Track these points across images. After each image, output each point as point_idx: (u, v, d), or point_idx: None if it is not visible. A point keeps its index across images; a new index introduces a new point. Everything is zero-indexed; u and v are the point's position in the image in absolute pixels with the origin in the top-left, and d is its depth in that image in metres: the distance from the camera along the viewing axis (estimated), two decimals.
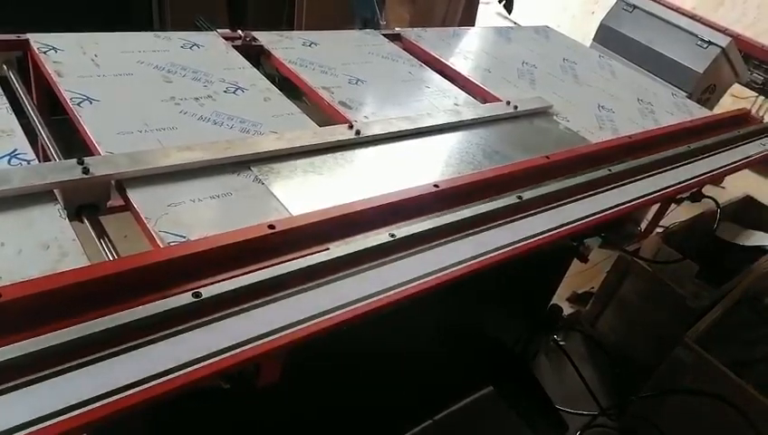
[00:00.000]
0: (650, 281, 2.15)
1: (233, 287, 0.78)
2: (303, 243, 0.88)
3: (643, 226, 2.59)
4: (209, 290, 0.76)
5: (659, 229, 2.45)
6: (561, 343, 2.31)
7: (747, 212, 2.65)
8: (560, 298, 2.35)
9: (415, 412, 1.84)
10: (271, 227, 0.86)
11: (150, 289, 0.74)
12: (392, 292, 0.97)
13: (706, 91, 2.60)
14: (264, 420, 1.29)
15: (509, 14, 3.59)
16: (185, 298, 0.74)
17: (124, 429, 0.98)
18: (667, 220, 2.50)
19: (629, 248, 2.26)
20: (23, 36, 1.24)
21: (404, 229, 0.96)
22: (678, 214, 2.51)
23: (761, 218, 2.61)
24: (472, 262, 1.13)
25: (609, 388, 2.19)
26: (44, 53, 1.21)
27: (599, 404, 2.08)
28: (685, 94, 2.14)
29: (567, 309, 2.42)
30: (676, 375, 1.89)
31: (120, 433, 0.97)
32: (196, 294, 0.75)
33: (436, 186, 1.07)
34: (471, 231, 1.08)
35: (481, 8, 3.74)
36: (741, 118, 1.90)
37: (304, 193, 1.02)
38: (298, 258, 0.85)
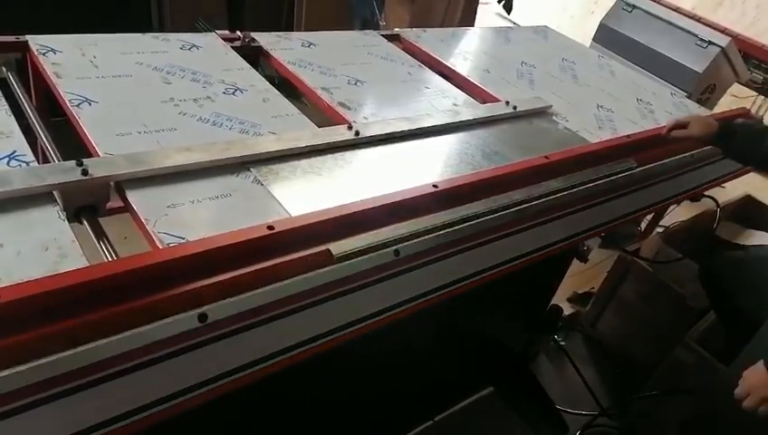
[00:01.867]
0: (650, 281, 2.15)
1: (238, 311, 0.79)
2: (303, 244, 0.88)
3: (643, 226, 2.59)
4: (215, 313, 0.77)
5: (659, 229, 2.45)
6: (562, 343, 2.31)
7: (747, 211, 2.64)
8: (560, 298, 2.34)
9: (415, 413, 1.84)
10: (270, 227, 0.86)
11: (150, 290, 0.74)
12: (393, 311, 1.02)
13: (706, 90, 2.60)
14: (264, 420, 1.28)
15: (508, 14, 3.59)
16: (190, 321, 0.75)
17: None
18: (667, 220, 2.50)
19: (629, 248, 2.26)
20: (21, 38, 1.24)
21: (408, 247, 0.97)
22: (678, 214, 2.51)
23: (761, 218, 2.61)
24: (473, 279, 1.16)
25: (610, 388, 2.19)
26: (43, 54, 1.21)
27: (599, 404, 2.08)
28: (684, 94, 2.14)
29: (567, 309, 2.42)
30: (677, 375, 1.89)
31: None
32: (202, 317, 0.75)
33: (435, 186, 1.07)
34: (473, 243, 1.09)
35: (480, 8, 3.75)
36: (741, 117, 1.90)
37: (303, 194, 1.02)
38: (297, 259, 0.86)
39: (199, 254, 0.79)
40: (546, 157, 1.28)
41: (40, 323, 0.66)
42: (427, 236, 1.00)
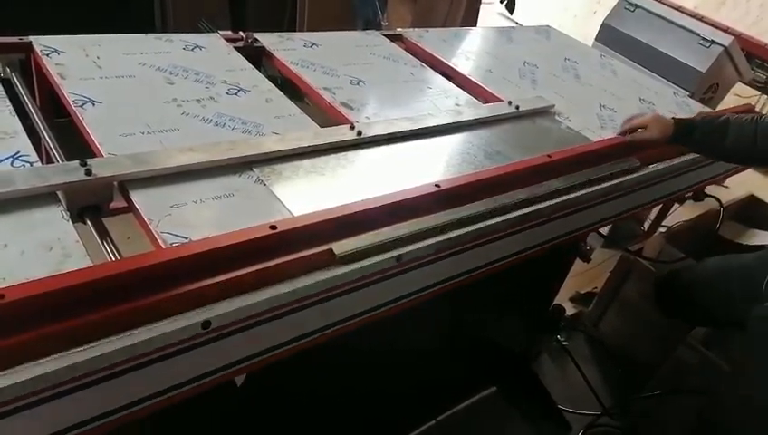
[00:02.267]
0: (653, 281, 2.15)
1: (241, 316, 0.80)
2: (305, 243, 0.88)
3: (646, 225, 2.59)
4: (219, 320, 0.77)
5: (662, 229, 2.44)
6: (564, 343, 2.31)
7: (750, 211, 2.63)
8: (562, 298, 2.34)
9: (418, 413, 1.84)
10: (272, 227, 0.86)
11: (153, 290, 0.74)
12: (393, 305, 1.02)
13: (709, 90, 2.60)
14: (266, 420, 1.29)
15: (511, 14, 3.59)
16: (193, 328, 0.75)
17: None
18: (670, 220, 2.49)
19: (632, 248, 2.26)
20: (25, 39, 1.24)
21: (409, 253, 0.98)
22: (681, 213, 2.51)
23: (764, 217, 2.60)
24: (474, 273, 1.16)
25: (612, 388, 2.18)
26: (47, 55, 1.21)
27: (601, 404, 2.07)
28: (687, 93, 2.14)
29: (570, 309, 2.42)
30: (680, 375, 1.89)
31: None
32: (206, 325, 0.76)
33: (437, 185, 1.07)
34: (475, 243, 1.10)
35: (483, 8, 3.74)
36: (743, 114, 1.90)
37: (306, 194, 1.02)
38: (300, 259, 0.86)
39: (202, 253, 0.79)
40: (549, 155, 1.28)
41: (43, 322, 0.67)
42: (428, 241, 1.01)
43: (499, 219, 1.11)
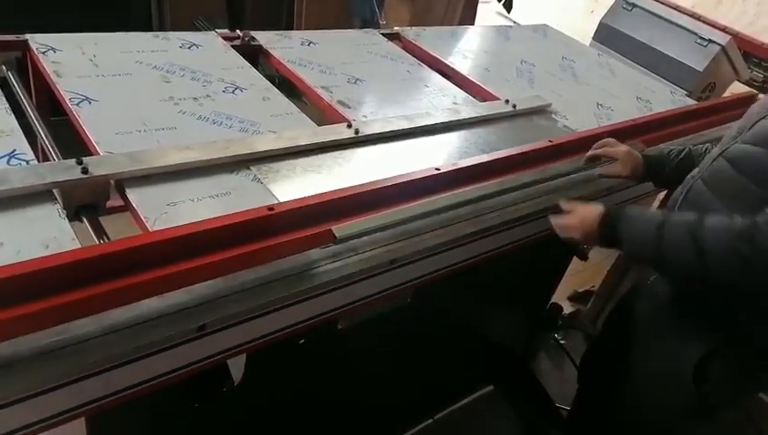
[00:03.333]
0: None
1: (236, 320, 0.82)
2: (304, 224, 0.89)
3: None
4: (214, 324, 0.79)
5: None
6: (562, 341, 2.31)
7: None
8: (560, 297, 2.34)
9: (415, 411, 1.84)
10: (270, 208, 0.86)
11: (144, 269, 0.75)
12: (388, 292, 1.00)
13: (706, 89, 2.60)
14: (265, 418, 1.29)
15: (508, 12, 3.59)
16: (190, 333, 0.77)
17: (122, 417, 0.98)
18: None
19: None
20: (22, 37, 1.24)
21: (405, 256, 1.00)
22: None
23: None
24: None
25: None
26: (43, 53, 1.21)
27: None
28: (684, 93, 2.14)
29: (567, 308, 2.42)
30: None
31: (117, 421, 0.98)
32: (201, 328, 0.78)
33: (437, 169, 1.08)
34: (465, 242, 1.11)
35: (480, 7, 3.74)
36: (748, 100, 1.91)
37: (303, 192, 1.01)
38: (297, 240, 0.86)
39: (192, 235, 0.79)
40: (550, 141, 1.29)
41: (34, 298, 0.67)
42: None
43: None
